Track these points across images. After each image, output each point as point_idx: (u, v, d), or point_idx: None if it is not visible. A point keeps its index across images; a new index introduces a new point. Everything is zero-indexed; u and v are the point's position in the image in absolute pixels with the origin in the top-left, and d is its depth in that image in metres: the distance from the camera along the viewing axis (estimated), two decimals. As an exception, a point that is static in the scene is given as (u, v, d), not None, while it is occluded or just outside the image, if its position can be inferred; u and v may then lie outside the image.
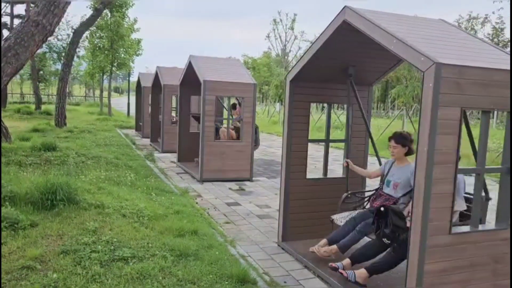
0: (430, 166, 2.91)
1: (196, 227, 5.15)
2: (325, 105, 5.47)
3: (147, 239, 4.63)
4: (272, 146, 15.97)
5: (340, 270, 3.93)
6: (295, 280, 4.20)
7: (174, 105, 13.55)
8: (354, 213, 4.54)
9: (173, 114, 13.47)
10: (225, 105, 11.03)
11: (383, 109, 43.40)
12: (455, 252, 3.13)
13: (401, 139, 4.30)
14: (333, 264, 4.02)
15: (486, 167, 3.26)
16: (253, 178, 9.08)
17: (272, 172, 10.25)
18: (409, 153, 4.37)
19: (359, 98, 4.93)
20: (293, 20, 44.59)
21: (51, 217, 5.00)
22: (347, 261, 4.05)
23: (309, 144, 5.22)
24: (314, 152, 12.98)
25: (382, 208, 3.79)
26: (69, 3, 6.00)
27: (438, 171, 2.94)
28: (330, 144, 5.67)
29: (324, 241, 4.45)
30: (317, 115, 26.13)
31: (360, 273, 3.84)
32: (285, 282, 4.15)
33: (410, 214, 3.64)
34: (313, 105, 20.22)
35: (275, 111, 31.65)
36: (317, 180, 5.38)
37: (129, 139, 14.88)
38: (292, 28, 44.79)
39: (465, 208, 3.77)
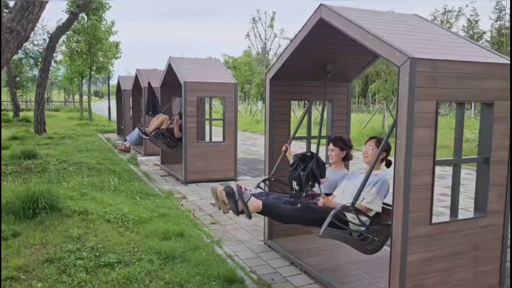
0: (408, 159, 2.97)
1: (182, 229, 5.14)
2: (307, 102, 5.51)
3: (132, 243, 4.60)
4: (255, 144, 15.99)
5: (242, 185, 3.66)
6: (283, 277, 4.23)
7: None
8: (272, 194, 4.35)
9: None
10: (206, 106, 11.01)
11: (364, 104, 43.85)
12: (436, 241, 3.20)
13: (340, 142, 4.39)
14: (243, 188, 3.68)
15: (462, 157, 3.34)
16: (238, 178, 9.10)
17: (256, 170, 10.28)
18: (346, 158, 4.45)
19: (335, 95, 4.99)
20: (272, 18, 44.67)
21: (34, 225, 4.93)
22: (258, 201, 3.68)
23: (293, 141, 5.25)
24: (298, 149, 13.07)
25: (309, 153, 3.82)
26: (43, 8, 5.91)
27: (417, 164, 3.01)
28: (314, 140, 5.72)
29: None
30: (299, 112, 26.25)
31: (255, 201, 3.62)
32: (272, 279, 4.18)
33: (321, 205, 3.77)
34: (295, 102, 20.30)
35: (257, 110, 31.68)
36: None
37: (111, 143, 14.73)
38: (271, 26, 44.87)
39: (380, 210, 3.74)
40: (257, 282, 4.07)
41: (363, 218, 3.62)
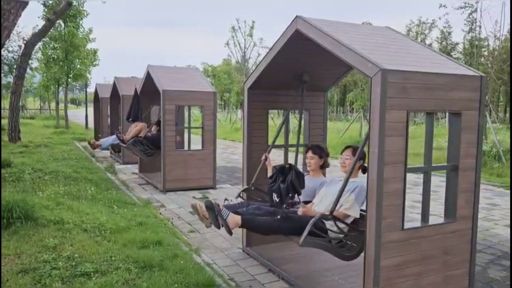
0: (381, 167, 3.07)
1: (160, 237, 5.13)
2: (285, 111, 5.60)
3: (109, 252, 4.57)
4: (235, 153, 16.02)
5: (219, 203, 3.76)
6: (261, 284, 4.28)
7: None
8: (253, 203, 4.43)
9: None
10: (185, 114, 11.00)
11: (343, 113, 44.51)
12: (408, 246, 3.30)
13: (318, 150, 4.51)
14: (220, 206, 3.76)
15: (432, 165, 3.47)
16: (217, 186, 9.11)
17: (235, 179, 10.31)
18: (324, 165, 4.56)
19: (312, 104, 5.09)
20: (252, 27, 44.95)
21: (8, 236, 4.85)
22: (237, 216, 3.77)
23: (273, 149, 5.33)
24: (277, 157, 13.18)
25: (287, 165, 3.91)
26: (19, 15, 5.85)
27: (389, 171, 3.11)
28: (294, 148, 5.80)
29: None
30: (278, 120, 26.43)
31: (234, 217, 3.72)
32: (250, 286, 4.22)
33: (301, 214, 3.85)
34: (274, 110, 20.40)
35: (237, 118, 31.75)
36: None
37: (88, 151, 14.52)
38: (251, 35, 45.13)
39: (358, 216, 3.79)
40: (235, 289, 4.10)
41: (341, 225, 3.70)
